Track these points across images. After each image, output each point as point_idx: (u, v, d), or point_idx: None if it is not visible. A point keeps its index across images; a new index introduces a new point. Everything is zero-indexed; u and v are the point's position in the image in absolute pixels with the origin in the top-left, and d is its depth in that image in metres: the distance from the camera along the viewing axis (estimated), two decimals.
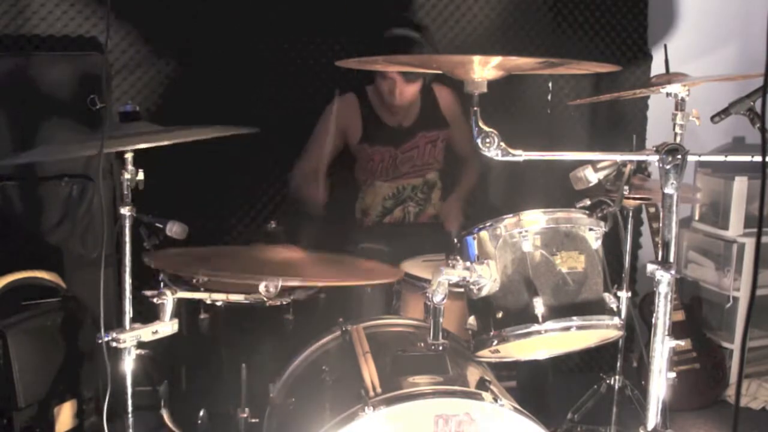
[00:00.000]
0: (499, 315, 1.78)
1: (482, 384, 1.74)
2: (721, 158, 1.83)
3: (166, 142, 1.89)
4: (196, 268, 1.89)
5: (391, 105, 2.90)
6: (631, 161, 1.93)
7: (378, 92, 2.91)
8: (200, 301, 2.06)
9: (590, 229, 1.84)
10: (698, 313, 3.41)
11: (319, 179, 2.84)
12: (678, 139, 2.15)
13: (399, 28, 2.87)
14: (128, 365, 1.87)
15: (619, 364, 2.80)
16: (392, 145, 2.94)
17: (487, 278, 1.78)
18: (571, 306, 1.77)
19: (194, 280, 2.03)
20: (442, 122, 3.01)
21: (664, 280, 1.61)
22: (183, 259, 1.92)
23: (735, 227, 3.48)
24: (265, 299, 1.92)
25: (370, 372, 1.76)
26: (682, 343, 3.22)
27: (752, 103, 2.10)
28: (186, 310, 2.15)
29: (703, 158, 1.74)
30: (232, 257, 1.97)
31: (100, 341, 1.83)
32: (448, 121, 3.02)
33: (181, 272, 1.92)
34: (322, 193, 2.82)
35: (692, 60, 3.33)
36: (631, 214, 2.69)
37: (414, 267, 2.37)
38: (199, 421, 2.37)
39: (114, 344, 1.84)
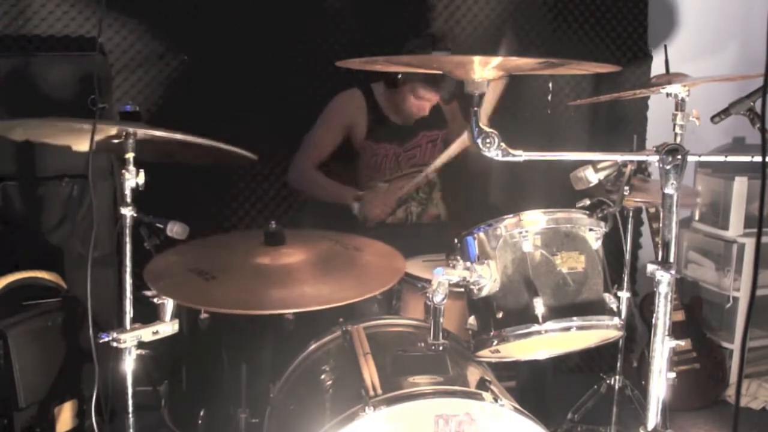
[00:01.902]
0: (500, 315, 1.78)
1: (482, 384, 1.74)
2: (721, 158, 1.83)
3: (161, 135, 1.88)
4: (197, 299, 1.88)
5: (409, 113, 2.89)
6: (631, 162, 1.93)
7: (392, 98, 2.89)
8: None
9: (590, 230, 1.84)
10: (698, 313, 3.41)
11: (314, 174, 2.89)
12: (678, 140, 2.16)
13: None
14: (129, 365, 1.87)
15: (619, 364, 2.81)
16: (396, 142, 2.94)
17: (488, 278, 1.78)
18: (572, 306, 1.77)
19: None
20: (441, 122, 3.02)
21: (664, 280, 1.61)
22: (184, 280, 1.90)
23: (735, 227, 3.48)
24: None
25: (370, 372, 1.76)
26: (682, 343, 3.23)
27: (752, 104, 2.10)
28: (186, 311, 2.16)
29: (703, 158, 1.74)
30: (233, 270, 1.94)
31: (100, 341, 1.83)
32: (447, 119, 3.02)
33: (185, 303, 1.91)
34: (318, 185, 2.89)
35: (692, 60, 3.33)
36: (631, 214, 2.70)
37: (414, 267, 2.37)
38: (200, 421, 2.37)
39: (114, 344, 1.84)
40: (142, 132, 1.89)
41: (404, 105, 2.85)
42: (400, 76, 2.76)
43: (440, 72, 1.71)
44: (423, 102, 2.82)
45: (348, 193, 2.85)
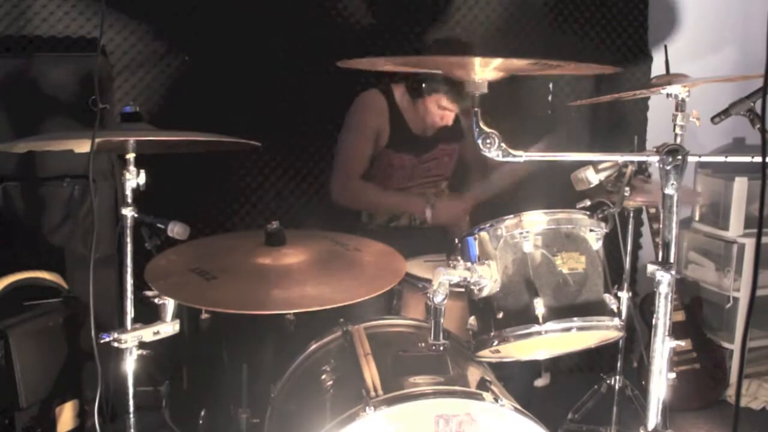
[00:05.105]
0: (500, 315, 1.78)
1: (483, 384, 1.74)
2: (721, 159, 1.83)
3: (163, 138, 1.89)
4: (198, 299, 1.88)
5: (432, 123, 2.81)
6: (631, 162, 1.93)
7: (415, 107, 2.80)
8: None
9: (591, 230, 1.84)
10: (698, 314, 3.41)
11: (364, 187, 2.80)
12: (678, 140, 2.15)
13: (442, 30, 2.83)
14: (130, 365, 1.87)
15: (619, 364, 2.81)
16: (414, 153, 2.87)
17: (488, 279, 1.78)
18: (572, 307, 1.77)
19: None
20: (459, 135, 2.94)
21: (665, 280, 1.61)
22: (184, 280, 1.90)
23: (735, 228, 3.48)
24: None
25: (371, 372, 1.76)
26: (682, 343, 3.17)
27: (752, 104, 2.10)
28: (187, 311, 2.16)
29: (704, 159, 1.73)
30: (234, 270, 1.94)
31: (101, 341, 1.84)
32: (465, 133, 2.94)
33: (185, 303, 1.92)
34: (366, 195, 2.81)
35: (692, 61, 3.33)
36: (631, 214, 2.70)
37: (415, 267, 2.37)
38: (201, 421, 2.38)
39: (116, 344, 1.85)
40: (144, 138, 1.89)
41: (428, 116, 2.76)
42: (424, 85, 2.67)
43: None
44: (446, 112, 2.74)
45: (416, 201, 2.77)
